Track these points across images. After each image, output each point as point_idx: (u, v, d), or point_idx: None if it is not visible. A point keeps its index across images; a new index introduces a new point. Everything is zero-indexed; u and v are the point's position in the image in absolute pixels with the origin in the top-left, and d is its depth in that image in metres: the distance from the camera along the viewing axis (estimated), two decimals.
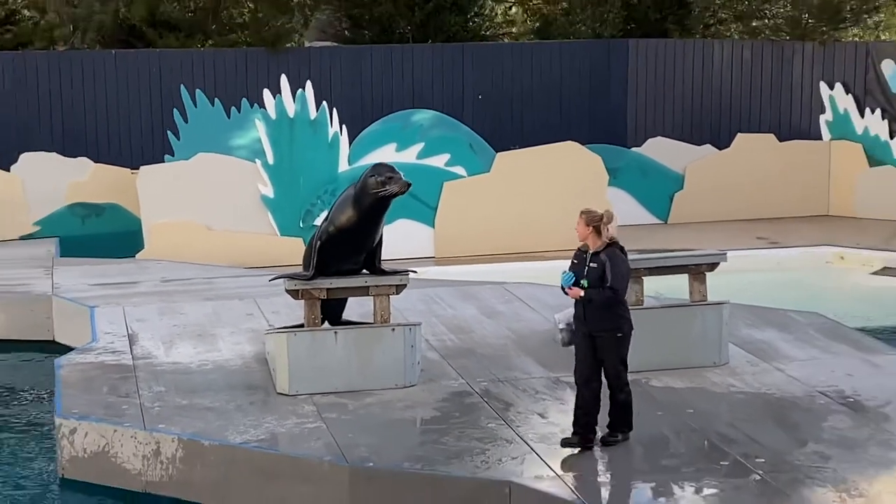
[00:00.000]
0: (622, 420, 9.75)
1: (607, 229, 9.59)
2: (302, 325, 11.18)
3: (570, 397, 10.89)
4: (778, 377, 11.43)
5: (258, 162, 16.99)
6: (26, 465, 10.81)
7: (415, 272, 11.77)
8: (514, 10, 24.21)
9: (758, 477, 9.04)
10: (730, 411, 10.51)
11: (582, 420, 9.56)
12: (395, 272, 11.38)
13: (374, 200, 10.93)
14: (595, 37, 23.43)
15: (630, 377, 11.21)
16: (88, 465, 10.21)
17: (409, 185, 10.87)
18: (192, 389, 11.13)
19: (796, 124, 20.76)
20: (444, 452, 9.59)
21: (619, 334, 9.63)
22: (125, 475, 10.07)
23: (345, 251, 11.10)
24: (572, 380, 11.29)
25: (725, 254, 12.06)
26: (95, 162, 18.83)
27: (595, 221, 9.52)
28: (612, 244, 9.62)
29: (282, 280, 11.36)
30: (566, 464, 9.32)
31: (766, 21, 21.90)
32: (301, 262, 11.85)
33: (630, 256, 12.09)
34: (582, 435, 9.53)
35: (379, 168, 11.09)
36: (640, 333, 11.50)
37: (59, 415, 10.49)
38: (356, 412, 10.45)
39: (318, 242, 11.11)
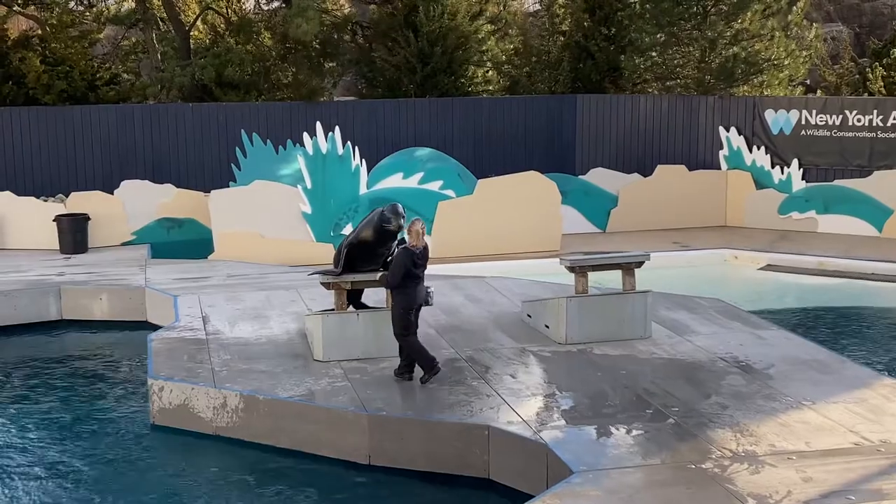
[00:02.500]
0: (403, 366, 10.28)
1: (417, 236, 10.07)
2: (332, 309, 11.17)
3: (534, 362, 10.92)
4: (688, 346, 11.44)
5: (299, 187, 16.96)
6: (126, 414, 10.80)
7: None
8: (490, 73, 24.18)
9: (673, 421, 9.05)
10: (652, 372, 10.51)
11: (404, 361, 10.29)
12: None
13: (380, 228, 10.80)
14: (551, 93, 23.44)
15: (577, 348, 11.29)
16: (173, 415, 10.22)
17: (401, 228, 10.65)
18: (250, 357, 11.13)
19: (702, 158, 20.76)
20: (439, 403, 9.60)
21: (396, 309, 10.17)
22: (200, 422, 10.08)
23: (364, 257, 11.09)
24: (536, 348, 11.36)
25: (649, 254, 12.08)
26: (178, 187, 18.78)
27: (409, 228, 10.15)
28: (401, 244, 10.35)
29: (317, 275, 11.35)
30: (530, 411, 9.31)
31: (679, 80, 21.89)
32: (332, 262, 11.83)
33: (577, 257, 12.17)
34: (406, 372, 10.25)
35: (389, 210, 10.76)
36: (585, 314, 11.57)
37: (150, 376, 10.49)
38: (373, 374, 10.45)
39: (347, 248, 11.11)
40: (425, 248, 10.21)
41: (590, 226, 19.57)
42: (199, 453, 9.80)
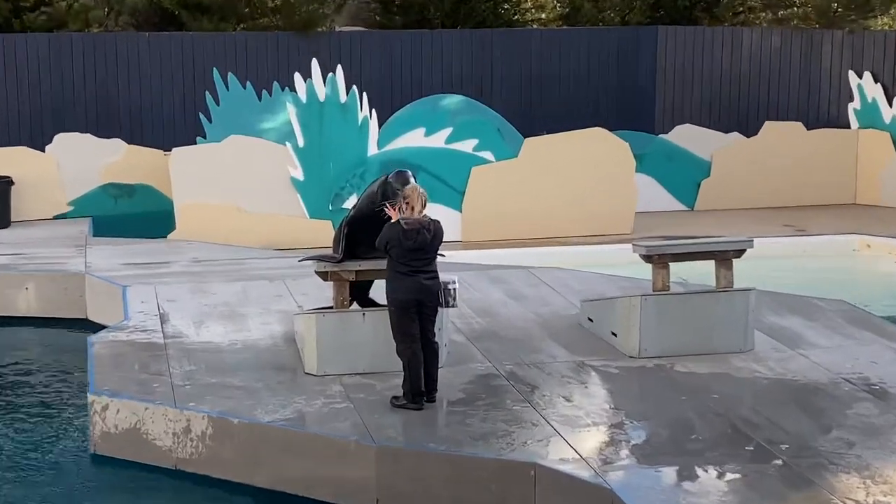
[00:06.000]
0: (404, 382, 10.15)
1: (410, 205, 10.03)
2: (331, 307, 11.21)
3: (595, 381, 10.93)
4: (802, 363, 11.40)
5: (288, 145, 17.02)
6: (59, 441, 10.87)
7: (442, 255, 11.73)
8: None
9: (781, 462, 9.03)
10: (754, 397, 10.49)
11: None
12: None
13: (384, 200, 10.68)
14: (623, 23, 23.37)
15: (654, 363, 11.28)
16: (120, 442, 10.28)
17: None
18: (222, 368, 11.19)
19: (824, 112, 20.67)
20: (469, 434, 9.61)
21: (389, 307, 10.19)
22: (156, 452, 10.13)
23: (369, 240, 11.05)
24: (597, 363, 11.37)
25: (752, 240, 12.03)
26: (128, 143, 18.91)
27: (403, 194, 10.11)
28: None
29: (311, 262, 11.39)
30: (590, 446, 9.32)
31: (796, 9, 21.77)
32: (331, 245, 11.86)
33: (656, 243, 12.14)
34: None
35: (395, 178, 10.66)
36: (665, 319, 11.56)
37: (91, 391, 10.55)
38: (383, 393, 10.47)
39: (347, 227, 11.12)
40: (435, 225, 10.05)
41: (673, 201, 19.54)
42: (153, 493, 9.85)
